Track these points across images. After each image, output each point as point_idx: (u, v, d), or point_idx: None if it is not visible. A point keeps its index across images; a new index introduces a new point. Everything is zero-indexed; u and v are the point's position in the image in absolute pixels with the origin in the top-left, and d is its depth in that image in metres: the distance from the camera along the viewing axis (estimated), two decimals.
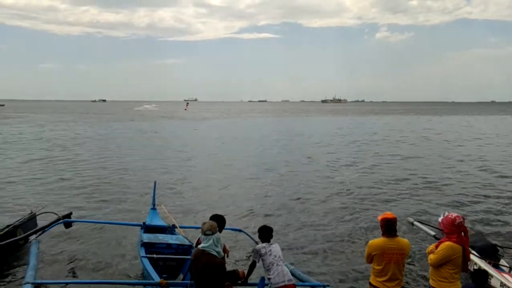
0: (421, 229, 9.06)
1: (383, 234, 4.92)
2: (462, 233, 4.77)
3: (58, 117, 67.90)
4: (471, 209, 12.13)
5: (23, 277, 6.33)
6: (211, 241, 4.89)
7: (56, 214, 8.83)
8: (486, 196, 13.83)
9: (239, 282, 5.80)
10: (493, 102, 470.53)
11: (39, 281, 5.95)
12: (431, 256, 4.78)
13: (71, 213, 8.90)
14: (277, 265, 5.46)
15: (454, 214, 4.92)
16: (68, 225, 8.37)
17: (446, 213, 10.18)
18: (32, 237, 8.32)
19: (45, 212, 9.44)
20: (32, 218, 9.12)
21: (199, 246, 5.02)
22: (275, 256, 5.51)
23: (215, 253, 4.90)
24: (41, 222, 9.07)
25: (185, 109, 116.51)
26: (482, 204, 12.78)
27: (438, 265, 4.70)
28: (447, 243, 4.68)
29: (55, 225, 8.35)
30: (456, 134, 40.55)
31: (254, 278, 5.90)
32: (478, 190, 14.87)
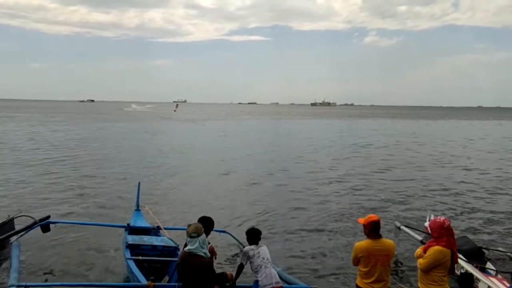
0: (408, 234, 9.06)
1: (369, 237, 4.92)
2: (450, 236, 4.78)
3: (46, 117, 66.98)
4: (455, 212, 12.21)
5: (5, 280, 6.17)
6: (197, 244, 4.82)
7: (33, 218, 8.48)
8: (470, 198, 14.04)
9: (227, 284, 5.75)
10: (480, 107, 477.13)
11: (23, 283, 5.78)
12: (420, 261, 4.77)
13: (49, 217, 8.60)
14: (265, 267, 5.46)
15: (442, 218, 4.93)
16: (45, 229, 8.05)
17: (433, 217, 10.22)
18: (13, 239, 8.08)
19: (22, 215, 9.13)
20: (8, 222, 8.79)
21: (185, 249, 4.96)
22: (263, 259, 5.51)
23: (202, 254, 4.83)
24: (19, 226, 8.71)
25: (175, 111, 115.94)
26: (467, 207, 12.92)
27: (428, 269, 4.69)
28: (436, 247, 4.68)
29: (32, 228, 8.04)
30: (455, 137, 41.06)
31: (243, 280, 5.86)
32: (463, 193, 15.06)
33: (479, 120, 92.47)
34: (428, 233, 9.00)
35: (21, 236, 8.08)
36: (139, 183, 9.27)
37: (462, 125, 70.75)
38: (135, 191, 9.25)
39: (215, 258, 5.91)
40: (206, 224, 5.51)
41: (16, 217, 9.08)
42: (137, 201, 8.85)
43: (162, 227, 7.95)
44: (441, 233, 4.73)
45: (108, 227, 9.09)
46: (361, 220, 5.05)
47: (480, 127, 66.57)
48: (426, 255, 4.72)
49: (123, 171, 17.94)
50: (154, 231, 7.85)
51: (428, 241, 5.06)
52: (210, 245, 5.32)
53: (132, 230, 7.79)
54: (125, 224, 7.98)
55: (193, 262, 4.77)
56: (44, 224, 8.08)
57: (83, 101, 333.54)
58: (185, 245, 5.36)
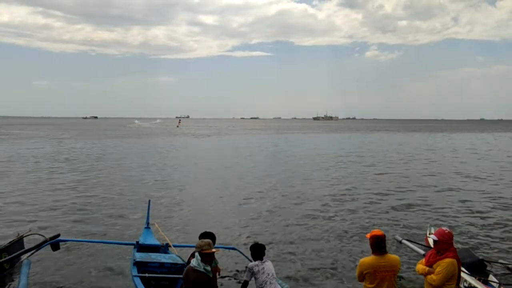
0: (410, 247, 9.03)
1: (374, 252, 4.88)
2: None
3: (55, 134, 67.23)
4: (455, 224, 12.15)
5: None
6: (195, 259, 5.00)
7: (43, 236, 8.52)
8: (470, 211, 13.98)
9: None
10: (482, 120, 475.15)
11: None
12: (433, 277, 4.73)
13: (58, 235, 8.58)
14: (270, 283, 5.43)
15: (446, 228, 4.98)
16: (55, 247, 8.05)
17: (433, 229, 10.17)
18: (24, 257, 8.12)
19: (32, 234, 9.20)
20: (18, 241, 8.82)
21: (190, 264, 5.13)
22: (268, 274, 5.48)
23: (202, 270, 4.99)
24: (28, 245, 8.69)
25: (177, 126, 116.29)
26: (466, 219, 12.88)
27: (442, 284, 4.71)
28: (447, 260, 4.70)
29: (42, 247, 8.06)
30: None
31: None
32: (462, 204, 15.07)
33: (491, 132, 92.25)
34: (429, 246, 9.03)
35: (31, 254, 8.09)
36: (149, 200, 9.37)
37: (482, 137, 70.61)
38: (145, 208, 9.33)
39: (219, 275, 5.99)
40: (208, 239, 5.66)
41: (26, 236, 9.12)
42: (147, 219, 8.92)
43: (171, 244, 8.00)
44: (450, 243, 4.79)
45: (118, 245, 9.08)
46: (369, 235, 5.03)
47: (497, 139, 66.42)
48: (439, 270, 4.70)
49: (134, 188, 18.00)
50: (163, 248, 7.92)
51: (428, 255, 5.05)
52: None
53: (141, 247, 7.85)
54: (134, 242, 8.05)
55: (193, 278, 4.89)
56: (54, 243, 8.07)
57: (86, 117, 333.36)
58: (188, 260, 5.53)
